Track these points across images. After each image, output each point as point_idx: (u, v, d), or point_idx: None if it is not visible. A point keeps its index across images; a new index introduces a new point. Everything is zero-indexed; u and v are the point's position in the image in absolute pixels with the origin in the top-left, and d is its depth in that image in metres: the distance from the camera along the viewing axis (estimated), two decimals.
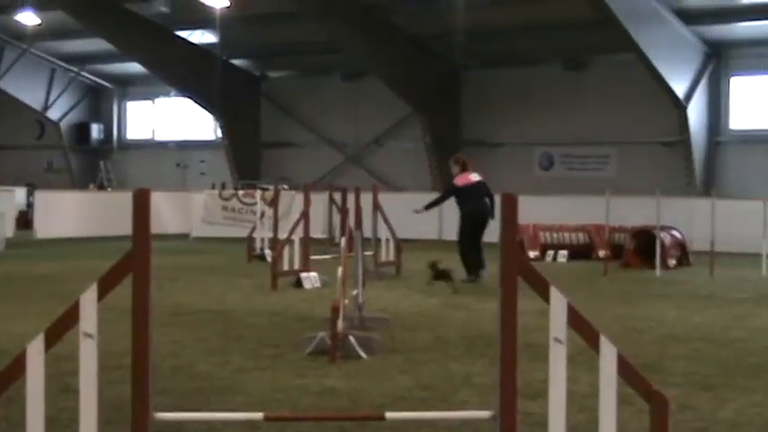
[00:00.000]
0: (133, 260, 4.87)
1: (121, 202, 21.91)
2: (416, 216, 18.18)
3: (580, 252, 23.09)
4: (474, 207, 17.16)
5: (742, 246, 21.86)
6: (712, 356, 9.45)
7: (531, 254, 22.80)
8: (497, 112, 33.93)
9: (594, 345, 4.98)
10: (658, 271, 16.05)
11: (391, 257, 18.53)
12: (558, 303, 4.99)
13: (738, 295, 15.42)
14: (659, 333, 11.08)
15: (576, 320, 5.01)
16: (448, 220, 29.34)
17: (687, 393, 7.63)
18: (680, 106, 29.31)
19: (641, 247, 20.71)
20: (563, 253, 22.82)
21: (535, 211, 26.58)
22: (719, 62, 30.48)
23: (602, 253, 20.92)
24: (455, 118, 34.67)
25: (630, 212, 23.04)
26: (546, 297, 5.01)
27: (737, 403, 7.29)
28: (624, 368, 4.99)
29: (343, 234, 11.29)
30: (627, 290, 15.94)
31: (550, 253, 22.94)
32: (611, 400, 4.95)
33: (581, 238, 23.58)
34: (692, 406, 7.18)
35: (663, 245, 20.03)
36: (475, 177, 17.72)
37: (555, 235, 23.57)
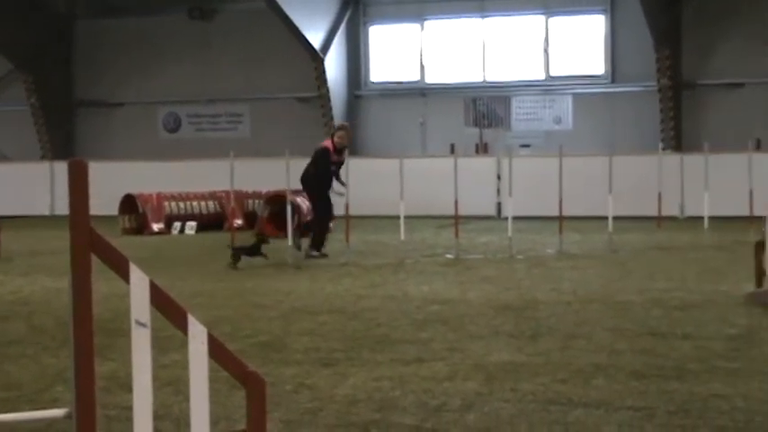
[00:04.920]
0: None
1: None
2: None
3: (211, 222, 23.22)
4: None
5: (384, 208, 22.80)
6: (339, 330, 9.79)
7: (156, 226, 22.65)
8: (116, 69, 33.39)
9: (182, 326, 4.97)
10: (291, 239, 16.46)
11: None
12: (138, 283, 4.94)
13: (375, 261, 16.11)
14: (287, 307, 11.36)
15: (160, 300, 4.98)
16: (59, 192, 28.61)
17: (306, 371, 7.85)
18: (317, 58, 30.09)
19: (276, 213, 21.11)
20: (191, 224, 22.88)
21: (160, 178, 26.56)
22: (357, 10, 31.55)
23: (235, 222, 21.12)
24: (66, 76, 33.80)
25: (267, 176, 23.42)
26: (125, 276, 4.94)
27: (358, 378, 7.58)
28: (216, 350, 5.02)
29: None
30: (257, 262, 16.18)
31: (177, 224, 22.90)
32: (203, 385, 4.97)
33: (211, 206, 23.71)
34: (309, 385, 7.40)
35: (299, 211, 20.54)
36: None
37: (182, 204, 23.55)
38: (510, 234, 17.54)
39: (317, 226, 17.59)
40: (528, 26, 30.87)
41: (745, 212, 20.73)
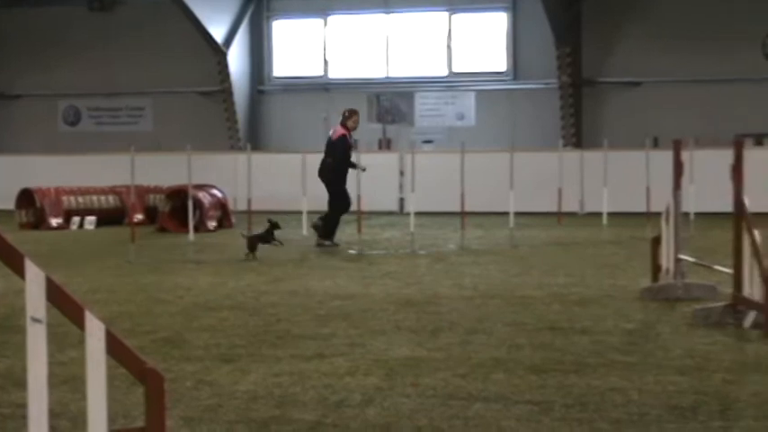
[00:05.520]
0: None
1: None
2: None
3: (111, 217, 22.96)
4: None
5: (287, 204, 22.77)
6: (240, 325, 9.75)
7: (54, 221, 22.32)
8: (14, 60, 32.85)
9: (79, 322, 4.91)
10: (192, 235, 16.34)
11: None
12: (34, 278, 4.86)
13: (278, 257, 16.05)
14: (187, 303, 11.27)
15: (57, 296, 4.91)
16: None
17: (207, 367, 7.80)
18: (219, 52, 29.93)
19: (178, 208, 20.94)
20: (91, 219, 22.59)
21: (59, 172, 26.18)
22: (260, 5, 31.42)
23: (136, 217, 20.90)
24: None
25: (169, 171, 23.22)
26: (21, 272, 4.86)
27: (258, 374, 7.56)
28: (114, 346, 4.97)
29: None
30: (158, 257, 16.10)
31: (76, 219, 22.60)
32: (101, 382, 4.92)
33: (111, 201, 23.44)
34: (209, 381, 7.35)
35: (201, 206, 20.43)
36: (331, 132, 18.31)
37: (81, 199, 23.22)
38: (412, 229, 17.63)
39: (332, 215, 17.78)
40: (431, 23, 31.03)
41: (643, 209, 21.06)
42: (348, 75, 31.44)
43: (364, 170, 18.10)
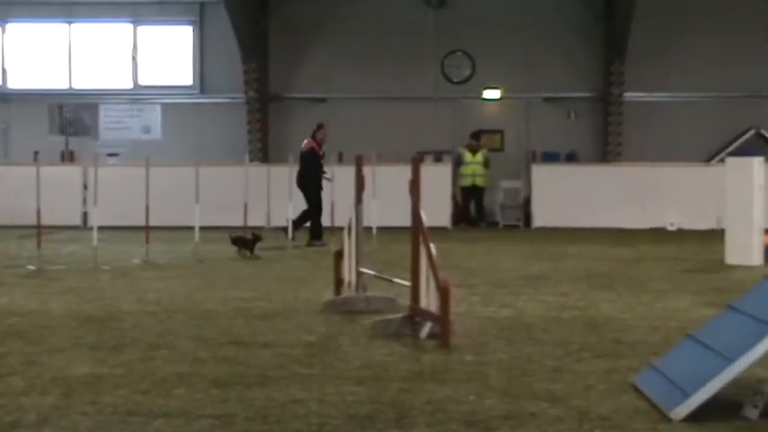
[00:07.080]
0: None
1: None
2: None
3: None
4: None
5: None
6: None
7: None
8: None
9: None
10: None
11: None
12: None
13: None
14: None
15: None
16: None
17: None
18: None
19: None
20: None
21: None
22: None
23: None
24: None
25: None
26: None
27: None
28: None
29: None
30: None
31: None
32: None
33: None
34: None
35: None
36: (303, 145, 21.21)
37: None
38: (95, 244, 17.23)
39: (313, 219, 20.74)
40: (116, 34, 30.46)
41: (328, 223, 21.45)
42: (29, 85, 30.38)
43: (331, 179, 20.69)
